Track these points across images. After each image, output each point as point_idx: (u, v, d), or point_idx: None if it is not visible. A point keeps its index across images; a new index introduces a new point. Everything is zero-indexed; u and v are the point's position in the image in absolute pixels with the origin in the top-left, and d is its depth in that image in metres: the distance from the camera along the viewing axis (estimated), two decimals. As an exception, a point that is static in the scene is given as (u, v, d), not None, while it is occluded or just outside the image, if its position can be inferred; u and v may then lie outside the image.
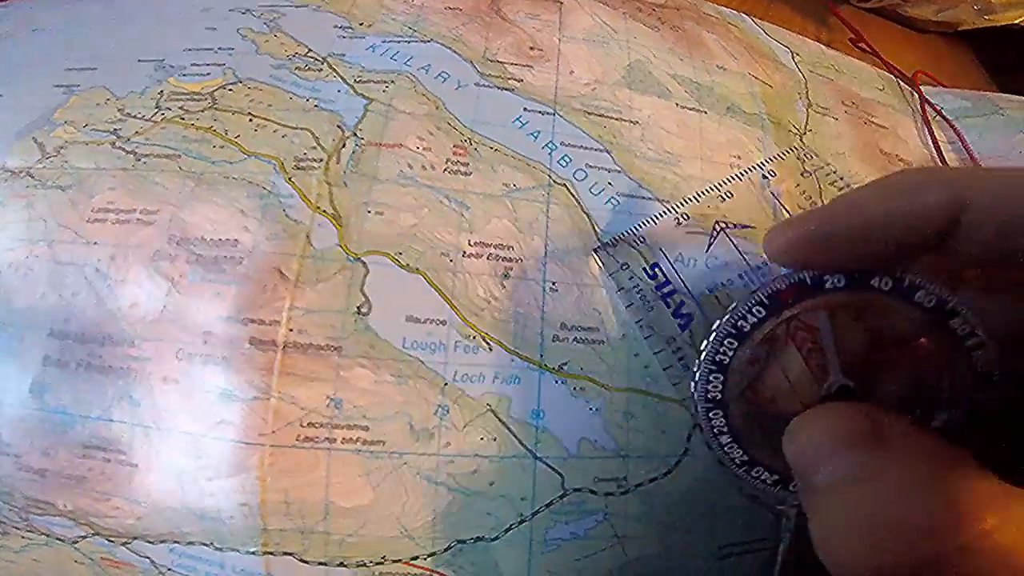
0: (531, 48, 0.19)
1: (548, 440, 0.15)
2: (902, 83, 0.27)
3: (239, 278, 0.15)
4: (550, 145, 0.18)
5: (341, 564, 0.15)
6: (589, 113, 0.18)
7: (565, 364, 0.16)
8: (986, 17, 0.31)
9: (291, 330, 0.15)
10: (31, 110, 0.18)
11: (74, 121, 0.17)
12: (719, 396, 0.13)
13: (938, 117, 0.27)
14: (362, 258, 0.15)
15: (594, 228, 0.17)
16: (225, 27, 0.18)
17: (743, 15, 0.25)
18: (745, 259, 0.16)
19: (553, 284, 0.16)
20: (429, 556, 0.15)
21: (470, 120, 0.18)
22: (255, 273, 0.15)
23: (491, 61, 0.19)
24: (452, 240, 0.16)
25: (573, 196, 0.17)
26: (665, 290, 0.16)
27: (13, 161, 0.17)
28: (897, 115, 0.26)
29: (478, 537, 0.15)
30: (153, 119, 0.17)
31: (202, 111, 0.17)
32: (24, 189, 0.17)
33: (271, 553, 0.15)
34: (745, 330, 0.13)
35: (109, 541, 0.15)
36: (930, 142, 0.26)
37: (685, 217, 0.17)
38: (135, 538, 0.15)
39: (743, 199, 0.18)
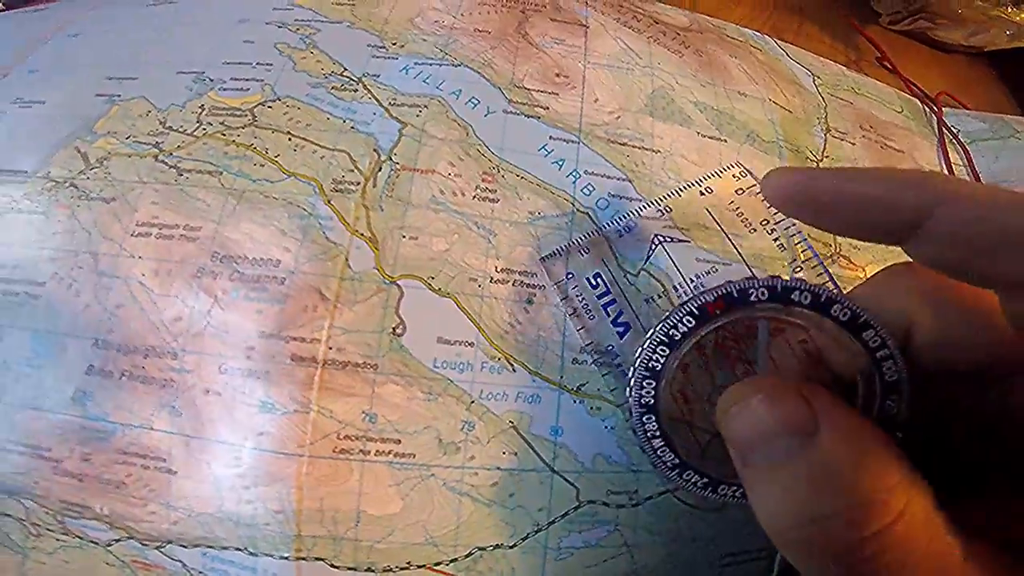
0: (557, 75, 0.20)
1: (565, 455, 0.16)
2: (924, 104, 0.27)
3: (280, 297, 0.15)
4: (574, 173, 0.18)
5: (369, 569, 0.16)
6: (612, 141, 0.19)
7: (583, 385, 0.17)
8: (1018, 41, 0.30)
9: (330, 348, 0.15)
10: (72, 119, 0.18)
11: (116, 132, 0.18)
12: (651, 401, 0.14)
13: (953, 140, 0.27)
14: (397, 281, 0.16)
15: (614, 254, 0.17)
16: (262, 41, 0.18)
17: (766, 37, 0.25)
18: (680, 271, 0.17)
19: (574, 310, 0.17)
20: (451, 562, 0.16)
21: (498, 147, 0.18)
22: (296, 292, 0.15)
23: (518, 87, 0.19)
24: (480, 266, 0.17)
25: (595, 224, 0.18)
26: (605, 299, 0.16)
27: (56, 171, 0.18)
28: (914, 138, 0.26)
29: (497, 545, 0.16)
30: (194, 133, 0.17)
31: (243, 128, 0.17)
32: (68, 199, 0.17)
33: (303, 558, 0.15)
34: (676, 338, 0.13)
35: (143, 544, 0.16)
36: (943, 165, 0.26)
37: (628, 229, 0.18)
38: (169, 542, 0.16)
39: (688, 210, 0.18)
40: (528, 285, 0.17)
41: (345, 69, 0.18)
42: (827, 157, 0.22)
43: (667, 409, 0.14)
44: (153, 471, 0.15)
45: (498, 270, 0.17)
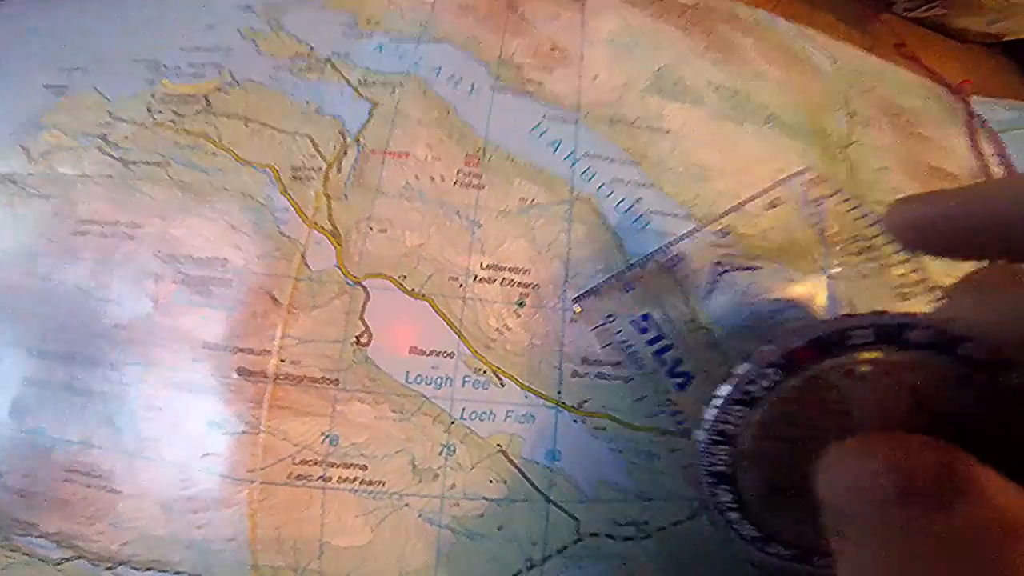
0: (551, 49, 0.17)
1: (563, 483, 0.14)
2: (946, 93, 0.25)
3: (228, 301, 0.13)
4: (572, 156, 0.16)
5: (334, 612, 0.13)
6: (616, 122, 0.16)
7: (585, 402, 0.14)
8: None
9: (283, 360, 0.13)
10: (19, 112, 0.16)
11: (61, 125, 0.16)
12: (725, 470, 0.11)
13: (983, 129, 0.24)
14: (363, 282, 0.13)
15: (623, 249, 0.15)
16: (224, 25, 0.16)
17: (777, 17, 0.23)
18: (751, 307, 0.14)
19: (575, 314, 0.14)
20: (430, 604, 0.14)
21: (483, 127, 0.16)
22: (245, 296, 0.13)
23: (507, 63, 0.17)
24: (462, 262, 0.14)
25: (597, 213, 0.15)
26: (658, 345, 0.13)
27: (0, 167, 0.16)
28: (943, 126, 0.23)
29: (484, 583, 0.14)
30: (143, 123, 0.15)
31: (195, 114, 0.15)
32: (8, 197, 0.15)
33: None
34: (756, 395, 0.10)
35: (93, 565, 0.14)
36: (975, 155, 0.23)
37: (680, 258, 0.14)
38: (121, 563, 0.14)
39: (764, 224, 0.15)
40: (519, 284, 0.14)
41: (312, 49, 0.16)
42: (853, 142, 0.20)
43: (744, 473, 0.11)
44: (97, 490, 0.14)
45: (484, 267, 0.14)
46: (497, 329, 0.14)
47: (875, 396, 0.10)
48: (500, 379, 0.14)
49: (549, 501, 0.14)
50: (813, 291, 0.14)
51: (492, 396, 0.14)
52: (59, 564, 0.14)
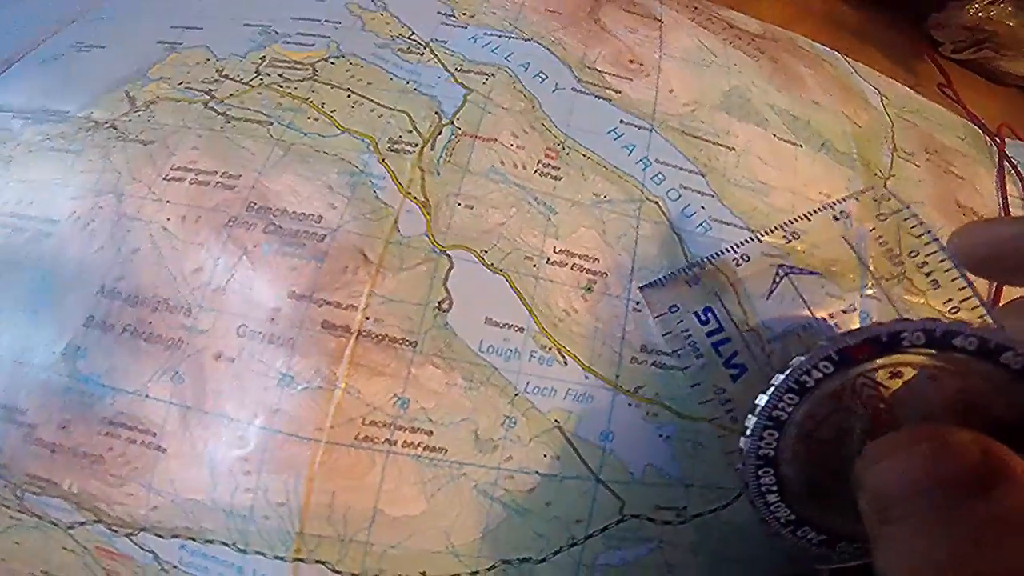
0: (630, 61, 0.18)
1: (613, 463, 0.14)
2: (984, 134, 0.25)
3: (319, 254, 0.14)
4: (644, 161, 0.16)
5: (377, 577, 0.13)
6: (686, 134, 0.17)
7: (641, 388, 0.14)
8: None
9: (367, 318, 0.13)
10: (128, 63, 0.17)
11: (170, 78, 0.16)
12: (771, 454, 0.12)
13: (1012, 171, 0.25)
14: (448, 251, 0.14)
15: (684, 250, 0.15)
16: (334, 0, 0.17)
17: (836, 52, 0.24)
18: (809, 309, 0.14)
19: (637, 304, 0.15)
20: (471, 575, 0.14)
21: (564, 124, 0.17)
22: (336, 251, 0.14)
23: (589, 68, 0.18)
24: (537, 244, 0.15)
25: (664, 215, 0.16)
26: (717, 337, 0.14)
27: (99, 112, 0.16)
28: (975, 166, 0.24)
29: (525, 558, 0.14)
30: (250, 83, 0.16)
31: (301, 81, 0.16)
32: (104, 140, 0.16)
33: (301, 560, 0.13)
34: (809, 386, 0.11)
35: (111, 530, 0.13)
36: (1000, 196, 0.24)
37: (746, 258, 0.14)
38: (142, 530, 0.13)
39: (819, 238, 0.16)
40: (588, 271, 0.15)
41: (413, 33, 0.17)
42: (893, 175, 0.21)
43: (786, 462, 0.12)
44: (139, 446, 0.13)
45: (556, 251, 0.15)
46: (564, 310, 0.14)
47: (920, 395, 0.11)
48: (564, 358, 0.14)
49: (599, 481, 0.14)
50: (865, 307, 0.15)
51: (555, 373, 0.14)
52: (71, 528, 0.13)
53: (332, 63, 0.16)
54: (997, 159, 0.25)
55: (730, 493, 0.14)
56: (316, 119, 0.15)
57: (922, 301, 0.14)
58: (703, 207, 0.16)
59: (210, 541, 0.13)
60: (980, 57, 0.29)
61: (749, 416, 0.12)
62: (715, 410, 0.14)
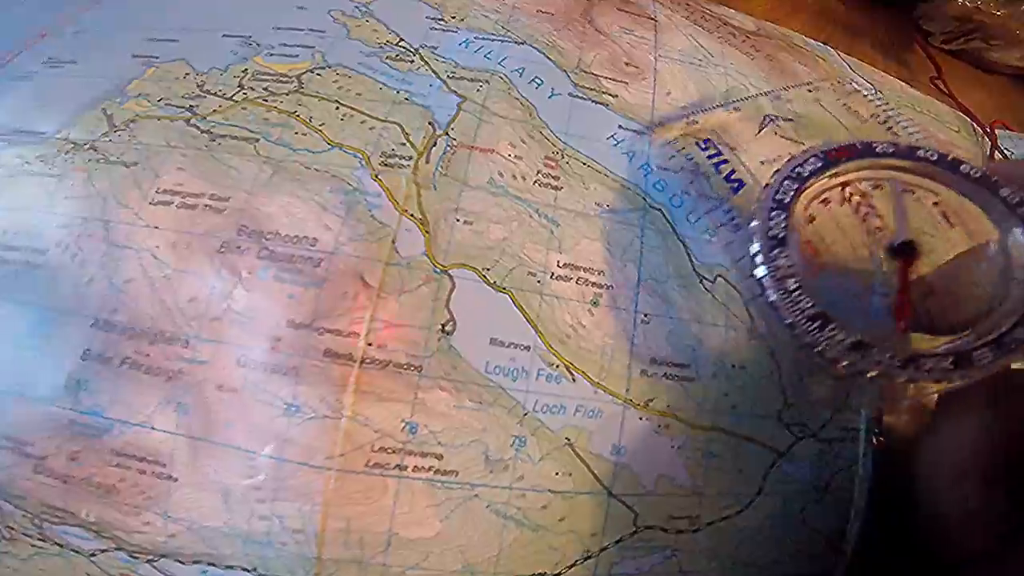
0: (627, 64, 0.17)
1: (626, 477, 0.14)
2: (977, 127, 0.25)
3: (317, 280, 0.13)
4: (645, 167, 0.15)
5: (397, 600, 0.13)
6: (686, 135, 0.16)
7: (651, 400, 0.14)
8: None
9: (370, 344, 0.12)
10: (105, 80, 0.16)
11: (148, 94, 0.15)
12: (782, 234, 0.12)
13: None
14: (449, 271, 0.13)
15: (690, 258, 0.15)
16: (317, 8, 0.16)
17: (829, 48, 0.23)
18: (791, 143, 0.16)
19: (645, 316, 0.14)
20: (488, 593, 0.13)
21: (563, 131, 0.15)
22: (335, 277, 0.13)
23: (585, 72, 0.17)
24: (541, 259, 0.14)
25: (669, 223, 0.15)
26: (717, 159, 0.16)
27: (77, 133, 0.15)
28: (971, 159, 0.24)
29: (540, 573, 0.13)
30: (233, 98, 0.15)
31: (287, 94, 0.15)
32: (85, 163, 0.15)
33: None
34: (803, 175, 0.13)
35: (132, 557, 0.13)
36: None
37: (736, 109, 0.16)
38: (163, 556, 0.13)
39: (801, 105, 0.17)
40: (594, 284, 0.14)
41: (402, 39, 0.16)
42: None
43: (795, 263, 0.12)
44: (150, 476, 0.13)
45: (560, 265, 0.14)
46: (571, 326, 0.14)
47: (899, 200, 0.13)
48: (572, 374, 0.13)
49: (611, 495, 0.13)
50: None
51: (564, 390, 0.13)
52: (93, 555, 0.13)
53: (318, 74, 0.15)
54: (988, 151, 0.25)
55: (743, 499, 0.14)
56: (305, 134, 0.14)
57: None
58: (709, 211, 0.15)
59: (230, 567, 0.13)
60: (970, 47, 0.28)
61: (755, 206, 0.13)
62: (719, 218, 0.15)
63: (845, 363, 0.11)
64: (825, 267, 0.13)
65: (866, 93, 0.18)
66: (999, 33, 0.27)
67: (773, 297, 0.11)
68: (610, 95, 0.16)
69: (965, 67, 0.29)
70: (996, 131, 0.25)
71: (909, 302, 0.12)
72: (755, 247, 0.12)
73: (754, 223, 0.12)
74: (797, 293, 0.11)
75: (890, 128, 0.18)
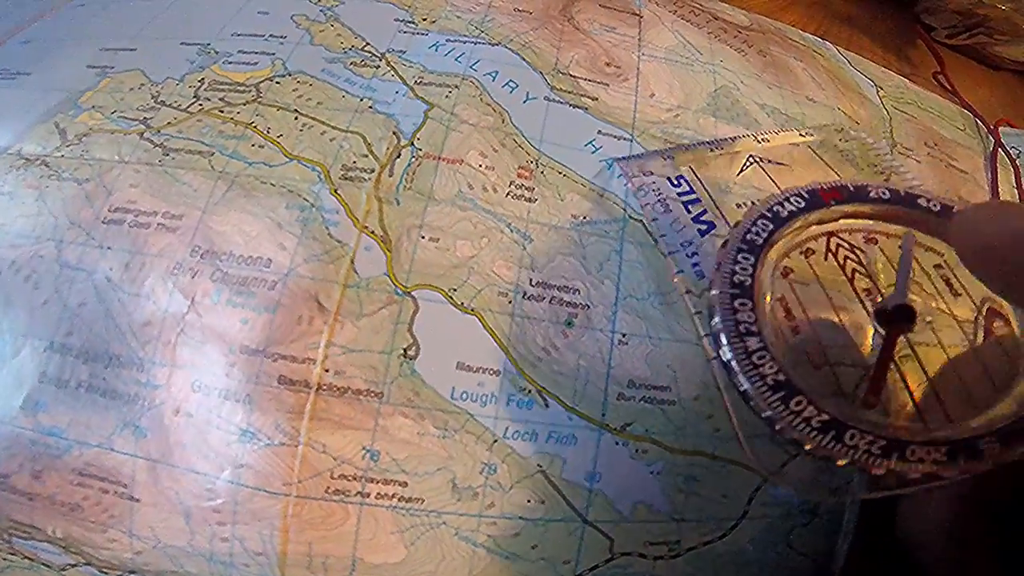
0: (607, 64, 0.16)
1: (601, 504, 0.13)
2: (981, 124, 0.23)
3: (271, 304, 0.12)
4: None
5: (363, 631, 0.12)
6: (669, 142, 0.15)
7: (629, 425, 0.13)
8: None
9: (327, 370, 0.12)
10: (58, 91, 0.15)
11: (102, 106, 0.14)
12: (747, 280, 0.10)
13: (1007, 160, 0.23)
14: (412, 292, 0.12)
15: (673, 271, 0.14)
16: (278, 12, 0.15)
17: (827, 43, 0.21)
18: (776, 183, 0.14)
19: (623, 336, 0.13)
20: (458, 622, 0.12)
21: (537, 139, 0.14)
22: (289, 300, 0.12)
23: (563, 74, 0.15)
24: (512, 277, 0.13)
25: (650, 234, 0.14)
26: (688, 198, 0.14)
27: (29, 147, 0.14)
28: (976, 158, 0.22)
29: (512, 602, 0.13)
30: (189, 109, 0.14)
31: (244, 104, 0.14)
32: (37, 180, 0.14)
33: None
34: (782, 215, 0.11)
35: (102, 572, 0.13)
36: (991, 187, 0.22)
37: (719, 148, 0.15)
38: (131, 572, 0.13)
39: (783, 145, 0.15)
40: (568, 303, 0.13)
41: (368, 43, 0.15)
42: (893, 173, 0.19)
43: (766, 330, 0.10)
44: (113, 496, 0.12)
45: (533, 283, 0.13)
46: (544, 348, 0.13)
47: (908, 257, 0.11)
48: (544, 399, 0.12)
49: (586, 522, 0.13)
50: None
51: (536, 416, 0.12)
52: (63, 570, 0.13)
53: (277, 82, 0.14)
54: (991, 150, 0.23)
55: (725, 524, 0.13)
56: (261, 146, 0.13)
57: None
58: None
59: (196, 584, 0.12)
60: (974, 42, 0.27)
61: (723, 244, 0.11)
62: (681, 262, 0.13)
63: (811, 447, 0.09)
64: (798, 329, 0.11)
65: (866, 136, 0.16)
66: (1004, 28, 0.25)
67: (728, 356, 0.09)
68: (589, 98, 0.15)
69: (969, 63, 0.28)
70: (1000, 129, 0.23)
71: (888, 376, 0.10)
72: (714, 292, 0.10)
73: (717, 267, 0.10)
74: (759, 355, 0.09)
75: (888, 180, 0.15)
